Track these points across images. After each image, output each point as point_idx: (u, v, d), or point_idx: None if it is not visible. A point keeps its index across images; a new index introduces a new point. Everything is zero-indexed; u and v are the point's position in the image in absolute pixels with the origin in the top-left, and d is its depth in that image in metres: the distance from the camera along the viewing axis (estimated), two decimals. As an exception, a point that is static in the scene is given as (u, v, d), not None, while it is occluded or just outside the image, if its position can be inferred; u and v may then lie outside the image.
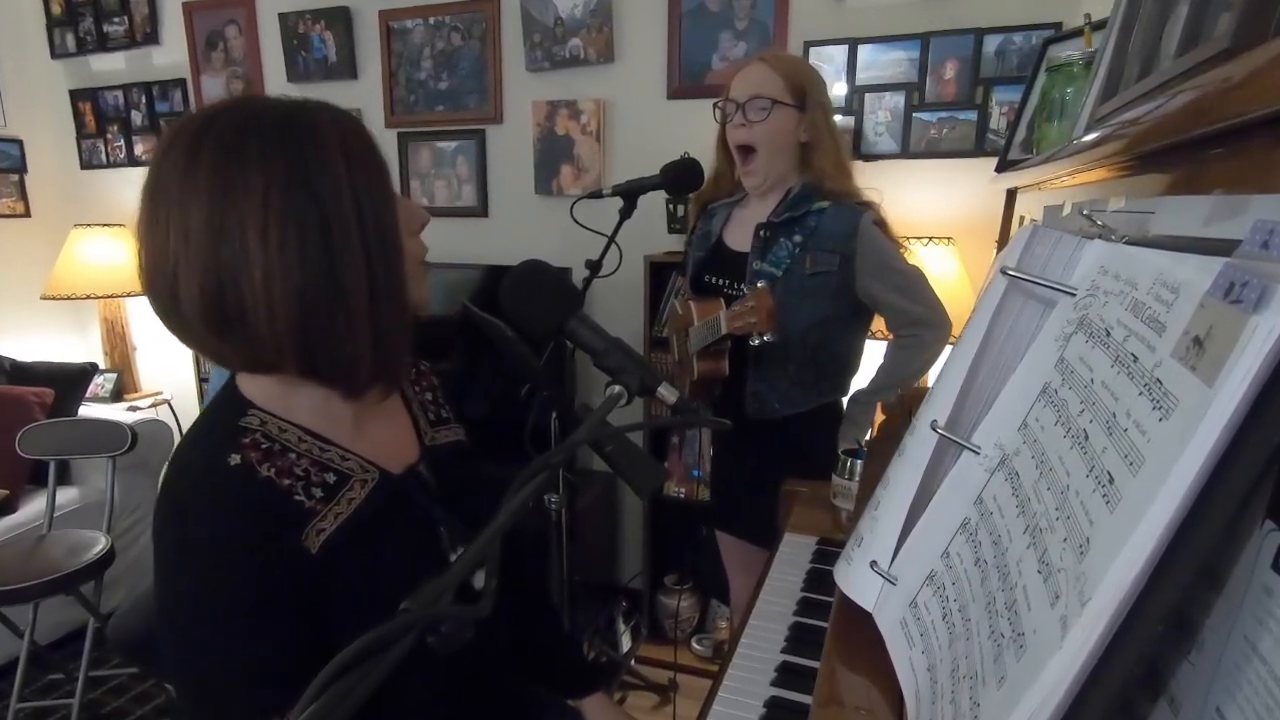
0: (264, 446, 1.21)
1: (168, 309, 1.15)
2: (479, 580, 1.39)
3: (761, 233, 2.51)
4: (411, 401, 1.51)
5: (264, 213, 1.09)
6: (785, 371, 2.53)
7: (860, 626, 1.14)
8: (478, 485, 1.54)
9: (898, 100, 3.53)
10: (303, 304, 1.12)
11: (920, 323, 2.46)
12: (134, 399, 5.01)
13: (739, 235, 2.63)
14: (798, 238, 2.46)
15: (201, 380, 5.23)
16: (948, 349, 2.46)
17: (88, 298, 4.90)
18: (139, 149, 5.26)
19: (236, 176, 1.09)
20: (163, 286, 1.13)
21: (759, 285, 2.18)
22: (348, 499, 1.26)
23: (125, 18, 5.08)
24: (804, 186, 2.51)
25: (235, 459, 1.18)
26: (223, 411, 1.26)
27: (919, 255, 3.25)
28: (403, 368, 1.34)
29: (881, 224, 2.47)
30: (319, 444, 1.27)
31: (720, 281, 2.64)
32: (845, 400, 2.70)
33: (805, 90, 2.46)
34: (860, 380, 2.69)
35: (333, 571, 1.21)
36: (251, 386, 1.27)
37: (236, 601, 1.13)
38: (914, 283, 2.47)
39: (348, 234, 1.14)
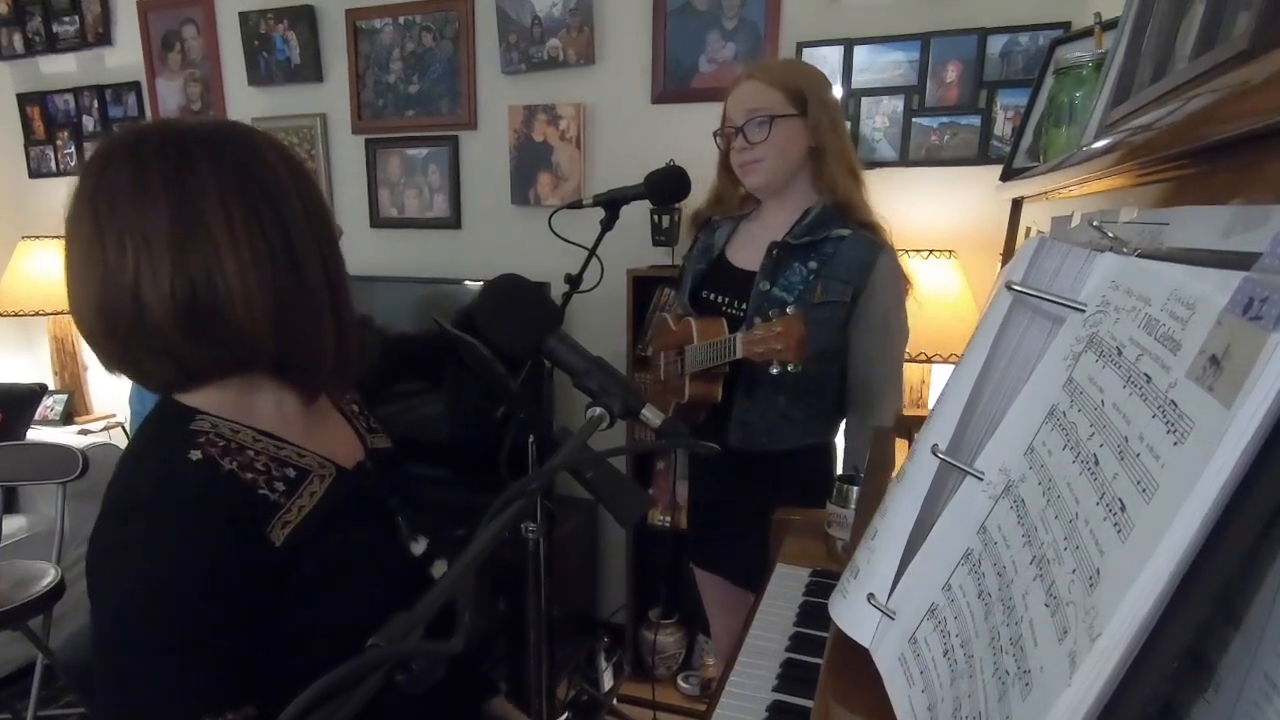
0: (220, 444, 1.25)
1: (131, 323, 1.18)
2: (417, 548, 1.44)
3: (774, 251, 2.49)
4: (344, 412, 1.57)
5: (224, 210, 1.17)
6: (775, 404, 2.52)
7: (856, 663, 1.13)
8: (416, 488, 1.61)
9: (896, 105, 3.54)
10: (277, 293, 1.21)
11: (869, 388, 2.47)
12: (85, 422, 4.99)
13: (745, 252, 2.62)
14: (813, 264, 2.45)
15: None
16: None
17: (36, 314, 4.89)
18: (90, 156, 5.22)
19: (190, 179, 1.17)
20: (122, 300, 1.16)
21: (789, 311, 2.15)
22: (309, 492, 1.31)
23: (76, 17, 5.07)
24: (824, 209, 2.49)
25: (196, 455, 1.22)
26: (167, 420, 1.29)
27: (920, 273, 3.25)
28: (354, 367, 1.40)
29: (898, 267, 2.48)
30: (274, 443, 1.32)
31: (721, 299, 2.62)
32: (837, 441, 2.69)
33: (804, 94, 2.44)
34: None
35: (296, 565, 1.24)
36: (195, 398, 1.30)
37: (198, 599, 1.14)
38: (896, 344, 2.50)
39: (301, 230, 1.24)
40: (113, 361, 1.24)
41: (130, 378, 1.27)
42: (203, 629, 1.14)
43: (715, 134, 2.60)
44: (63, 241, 1.20)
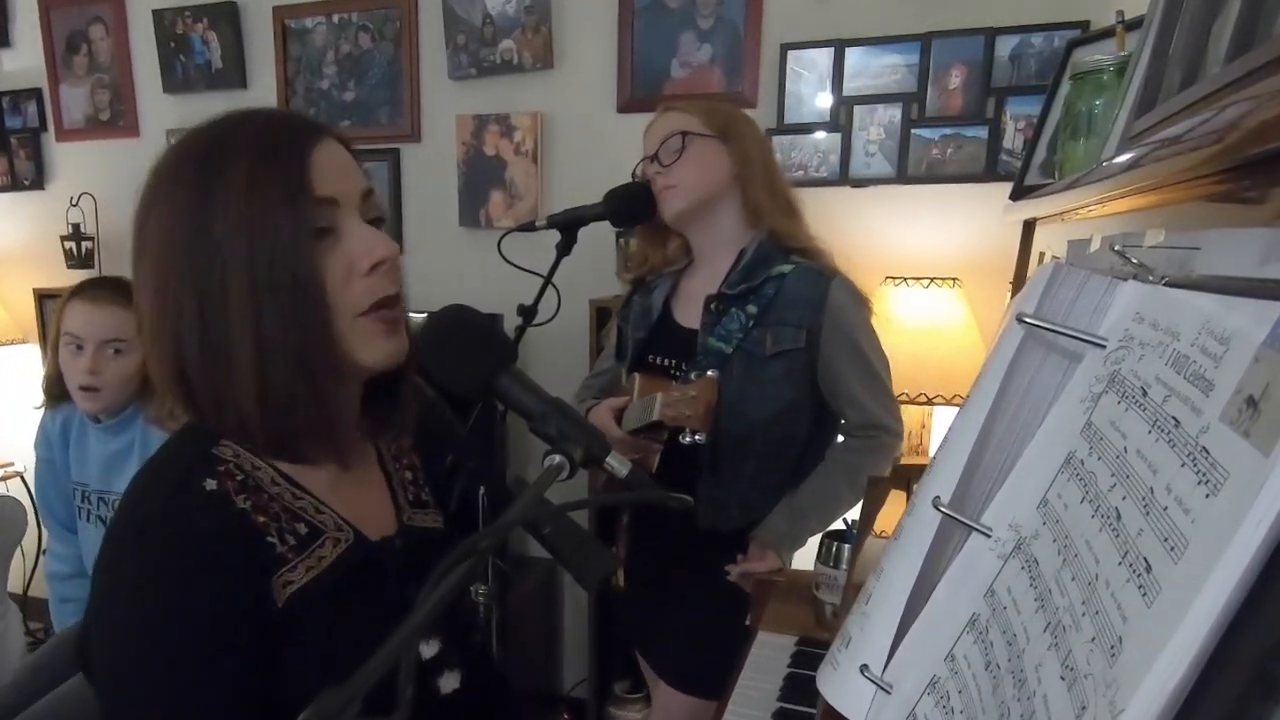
0: (239, 478, 1.26)
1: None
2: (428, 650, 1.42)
3: (712, 306, 2.50)
4: (392, 477, 1.55)
5: (160, 250, 1.22)
6: (743, 471, 2.49)
7: (849, 744, 1.13)
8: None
9: (893, 114, 3.56)
10: (177, 351, 1.22)
11: (877, 425, 2.45)
12: (-21, 471, 4.94)
13: (689, 309, 2.62)
14: (752, 308, 2.44)
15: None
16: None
17: (-76, 353, 4.83)
18: (-14, 172, 5.20)
19: (153, 212, 1.23)
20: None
21: (709, 374, 2.17)
22: (319, 555, 1.30)
23: (-32, 16, 5.04)
24: (760, 246, 2.50)
25: (212, 484, 1.24)
26: (190, 438, 1.31)
27: (920, 304, 3.26)
28: (344, 437, 1.37)
29: (855, 292, 2.48)
30: (293, 489, 1.31)
31: (667, 362, 2.62)
32: None
33: (726, 123, 2.49)
34: None
35: (296, 629, 1.25)
36: None
37: (195, 635, 1.17)
38: (881, 374, 2.48)
39: (239, 281, 1.18)
40: None
41: None
42: (208, 662, 1.17)
43: (633, 173, 2.62)
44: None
